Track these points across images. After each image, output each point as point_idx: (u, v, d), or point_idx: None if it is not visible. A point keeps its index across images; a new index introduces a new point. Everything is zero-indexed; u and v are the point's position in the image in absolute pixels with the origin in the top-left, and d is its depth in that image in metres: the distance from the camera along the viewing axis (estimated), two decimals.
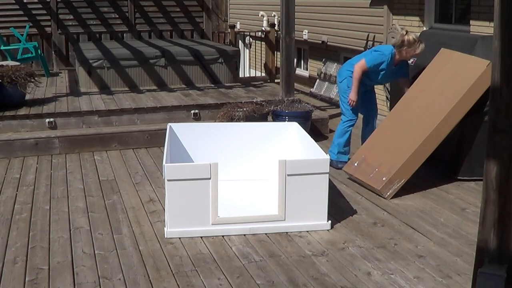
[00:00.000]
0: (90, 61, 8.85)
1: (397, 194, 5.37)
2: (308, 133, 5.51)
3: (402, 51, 5.96)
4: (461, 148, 5.69)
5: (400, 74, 6.20)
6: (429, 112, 5.60)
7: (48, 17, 10.95)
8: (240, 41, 13.49)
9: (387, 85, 8.37)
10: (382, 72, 6.09)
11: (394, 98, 6.88)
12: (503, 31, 3.01)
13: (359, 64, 6.01)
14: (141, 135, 7.22)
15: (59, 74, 10.43)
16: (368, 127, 6.43)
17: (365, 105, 6.39)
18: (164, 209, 4.95)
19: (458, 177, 5.75)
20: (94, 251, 4.27)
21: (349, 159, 6.17)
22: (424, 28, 7.86)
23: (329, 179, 4.73)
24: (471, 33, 6.79)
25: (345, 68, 6.25)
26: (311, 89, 10.45)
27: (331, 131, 7.73)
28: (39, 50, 9.96)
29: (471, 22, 6.90)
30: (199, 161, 5.35)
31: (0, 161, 6.60)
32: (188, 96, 8.37)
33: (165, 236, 4.49)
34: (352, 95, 6.05)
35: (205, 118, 7.78)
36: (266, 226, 4.58)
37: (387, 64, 6.03)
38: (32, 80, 7.56)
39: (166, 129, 5.53)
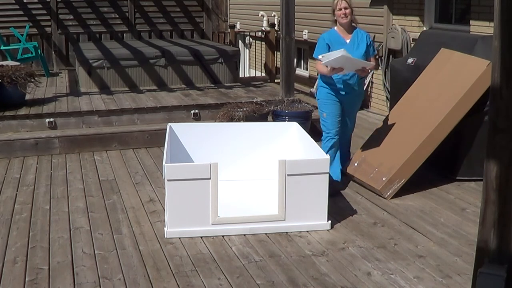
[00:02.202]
0: (90, 61, 8.85)
1: (397, 194, 5.37)
2: (308, 133, 5.50)
3: (335, 15, 5.42)
4: (461, 148, 5.68)
5: (366, 51, 5.40)
6: (429, 112, 5.60)
7: (48, 17, 10.95)
8: (240, 41, 13.49)
9: (387, 85, 8.37)
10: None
11: (394, 98, 6.88)
12: (503, 31, 3.01)
13: (316, 64, 5.45)
14: (141, 135, 7.22)
15: (59, 74, 10.43)
16: (342, 143, 5.74)
17: (343, 115, 5.62)
18: (164, 209, 4.95)
19: (458, 178, 5.75)
20: (94, 251, 4.27)
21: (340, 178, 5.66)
22: (424, 28, 7.86)
23: None
24: (471, 33, 6.79)
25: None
26: (311, 89, 10.45)
27: None
28: (39, 50, 9.96)
29: (471, 22, 6.90)
30: (199, 161, 5.35)
31: (0, 161, 6.60)
32: (188, 96, 8.37)
33: (165, 236, 4.49)
34: (331, 71, 5.22)
35: (205, 118, 7.78)
36: (266, 226, 4.58)
37: (334, 40, 5.38)
38: (32, 80, 7.56)
39: (166, 129, 5.53)
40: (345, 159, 5.93)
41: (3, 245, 4.39)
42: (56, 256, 4.20)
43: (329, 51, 5.30)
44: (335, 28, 5.49)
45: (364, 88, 5.98)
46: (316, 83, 10.38)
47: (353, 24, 5.48)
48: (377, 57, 5.71)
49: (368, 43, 5.45)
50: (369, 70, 5.46)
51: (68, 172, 6.22)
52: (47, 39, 10.99)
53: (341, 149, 5.76)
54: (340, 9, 5.36)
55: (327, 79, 5.46)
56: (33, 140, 6.86)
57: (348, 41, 5.41)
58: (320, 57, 5.22)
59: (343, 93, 5.47)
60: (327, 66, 5.18)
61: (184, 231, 4.49)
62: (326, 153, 5.29)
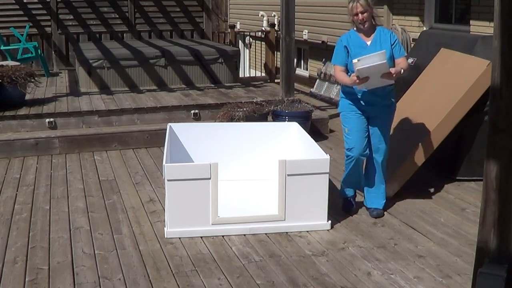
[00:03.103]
0: (90, 61, 8.85)
1: (397, 194, 5.36)
2: (308, 133, 5.51)
3: (351, 19, 4.75)
4: (461, 148, 5.69)
5: (391, 52, 4.67)
6: (429, 112, 5.60)
7: (48, 17, 10.95)
8: (240, 41, 13.49)
9: None
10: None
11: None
12: (503, 31, 3.01)
13: (334, 71, 4.92)
14: (141, 135, 7.22)
15: (59, 74, 10.43)
16: (370, 166, 4.96)
17: (371, 135, 4.89)
18: (164, 209, 4.95)
19: (458, 178, 5.74)
20: (94, 251, 4.27)
21: (354, 194, 5.09)
22: (424, 28, 7.86)
23: (329, 179, 4.72)
24: (471, 33, 6.79)
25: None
26: (311, 89, 10.44)
27: (331, 131, 7.74)
28: (39, 50, 9.96)
29: (471, 22, 6.90)
30: (199, 161, 5.35)
31: (0, 161, 6.60)
32: (188, 96, 8.37)
33: (165, 236, 4.49)
34: (351, 80, 4.56)
35: (205, 118, 7.78)
36: (266, 226, 4.58)
37: (353, 43, 4.71)
38: (32, 80, 7.56)
39: (166, 129, 5.53)
40: (378, 194, 4.98)
41: (3, 245, 4.39)
42: (56, 256, 4.20)
43: (348, 54, 4.67)
44: (355, 29, 4.78)
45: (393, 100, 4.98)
46: (315, 83, 10.39)
47: (375, 23, 4.74)
48: (406, 58, 4.86)
49: (392, 43, 4.65)
50: (401, 72, 4.61)
51: (68, 172, 6.22)
52: (47, 39, 10.99)
53: (370, 179, 4.96)
54: (356, 14, 4.63)
55: (348, 88, 4.77)
56: (33, 140, 6.86)
57: (369, 43, 4.69)
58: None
59: (365, 104, 4.77)
60: (347, 73, 4.65)
61: (184, 231, 4.49)
62: (346, 168, 4.85)
